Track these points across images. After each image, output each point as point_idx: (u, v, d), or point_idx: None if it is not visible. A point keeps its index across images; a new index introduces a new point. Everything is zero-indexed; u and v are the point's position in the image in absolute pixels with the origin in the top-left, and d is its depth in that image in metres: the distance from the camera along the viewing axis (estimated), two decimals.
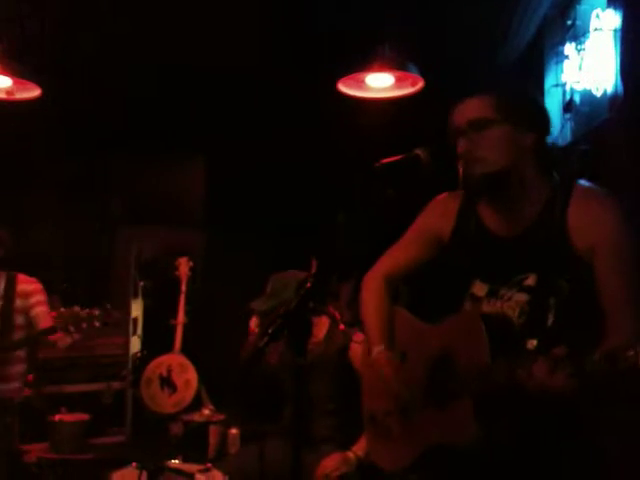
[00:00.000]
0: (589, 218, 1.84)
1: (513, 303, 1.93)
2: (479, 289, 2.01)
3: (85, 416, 4.63)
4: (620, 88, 3.40)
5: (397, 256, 2.25)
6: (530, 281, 1.90)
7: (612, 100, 3.52)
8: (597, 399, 1.73)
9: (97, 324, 3.63)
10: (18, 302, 3.87)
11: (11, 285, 3.88)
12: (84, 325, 3.58)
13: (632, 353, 1.48)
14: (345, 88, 4.00)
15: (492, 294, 1.98)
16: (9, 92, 4.17)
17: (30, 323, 3.88)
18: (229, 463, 3.46)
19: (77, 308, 3.66)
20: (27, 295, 3.89)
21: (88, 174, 5.93)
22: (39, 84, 4.10)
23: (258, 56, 4.64)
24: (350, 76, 3.93)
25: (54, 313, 3.82)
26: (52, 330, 3.65)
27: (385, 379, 2.09)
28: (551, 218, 1.89)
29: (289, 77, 4.61)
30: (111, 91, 5.04)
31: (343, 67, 3.91)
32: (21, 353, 3.95)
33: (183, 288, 5.18)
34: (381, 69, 3.83)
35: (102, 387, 5.08)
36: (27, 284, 3.93)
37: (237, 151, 5.79)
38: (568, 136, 4.12)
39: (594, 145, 3.71)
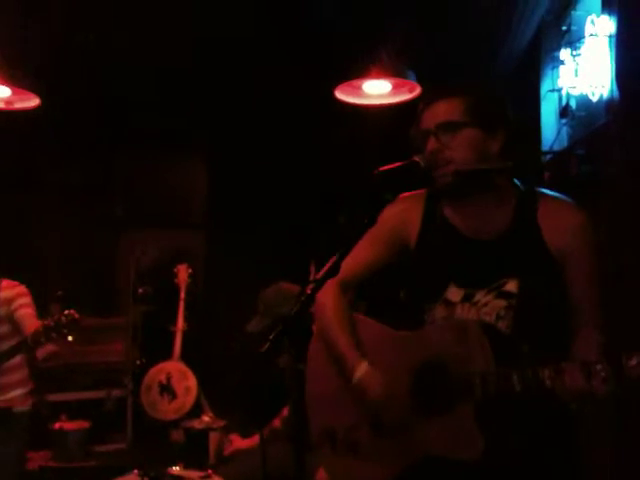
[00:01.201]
0: (560, 223, 1.89)
1: (489, 309, 1.91)
2: (454, 294, 1.96)
3: (86, 423, 4.64)
4: (616, 93, 3.42)
5: (354, 260, 2.06)
6: (510, 286, 1.89)
7: (608, 105, 3.54)
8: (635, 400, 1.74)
9: (70, 338, 3.49)
10: (1, 310, 3.68)
11: None
12: (54, 335, 3.44)
13: None
14: (342, 95, 4.01)
15: (467, 299, 1.94)
16: (8, 102, 4.18)
17: (18, 330, 3.67)
18: (230, 469, 3.47)
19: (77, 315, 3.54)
20: (9, 301, 3.69)
21: (89, 179, 5.94)
22: (38, 93, 4.11)
23: (258, 60, 4.65)
24: (347, 83, 3.94)
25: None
26: (38, 333, 3.41)
27: (375, 400, 1.98)
28: (524, 222, 1.92)
29: (289, 82, 4.62)
30: (112, 95, 5.05)
31: (340, 74, 3.92)
32: (17, 359, 3.72)
33: (182, 295, 5.19)
34: (378, 76, 3.85)
35: (103, 394, 5.09)
36: (9, 290, 3.73)
37: (239, 154, 5.82)
38: (565, 141, 4.15)
39: (591, 149, 3.73)
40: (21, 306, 3.70)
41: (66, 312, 3.41)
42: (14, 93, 4.12)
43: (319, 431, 2.13)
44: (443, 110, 1.91)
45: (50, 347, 3.52)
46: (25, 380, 3.81)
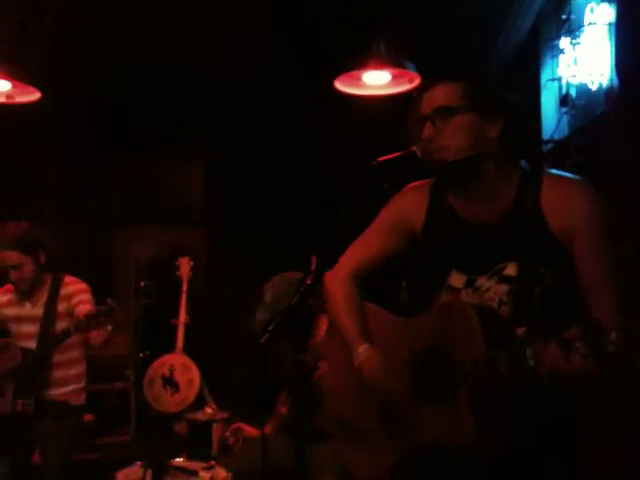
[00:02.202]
0: (563, 203, 1.86)
1: (492, 294, 1.91)
2: (456, 280, 1.97)
3: (89, 416, 4.66)
4: (615, 81, 3.42)
5: (364, 249, 2.15)
6: (510, 270, 1.89)
7: (608, 93, 3.53)
8: (615, 380, 1.73)
9: (110, 327, 3.52)
10: (61, 306, 3.68)
11: (55, 288, 3.71)
12: (93, 323, 3.44)
13: None
14: (342, 86, 4.00)
15: (469, 285, 1.95)
16: (9, 96, 4.18)
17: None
18: (233, 460, 3.49)
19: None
20: (70, 297, 3.70)
21: (87, 175, 5.95)
22: (39, 87, 4.11)
23: (255, 55, 4.65)
24: (347, 74, 3.94)
25: None
26: (87, 318, 3.40)
27: (374, 381, 2.02)
28: (525, 205, 1.90)
29: (286, 76, 4.62)
30: (110, 93, 5.06)
31: (340, 65, 3.92)
32: (76, 354, 3.76)
33: (184, 288, 5.20)
34: (378, 66, 3.84)
35: (106, 388, 5.11)
36: (71, 285, 3.74)
37: (236, 150, 5.82)
38: (565, 129, 4.14)
39: (591, 138, 3.72)
40: (80, 302, 3.69)
41: (107, 302, 3.43)
42: (14, 87, 4.12)
43: (333, 422, 2.20)
44: (440, 95, 1.91)
45: (106, 330, 3.52)
46: (81, 375, 3.82)
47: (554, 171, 1.97)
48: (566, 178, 1.95)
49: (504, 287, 1.91)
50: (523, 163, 1.97)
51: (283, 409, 3.58)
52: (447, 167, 1.89)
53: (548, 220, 1.87)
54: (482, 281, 1.94)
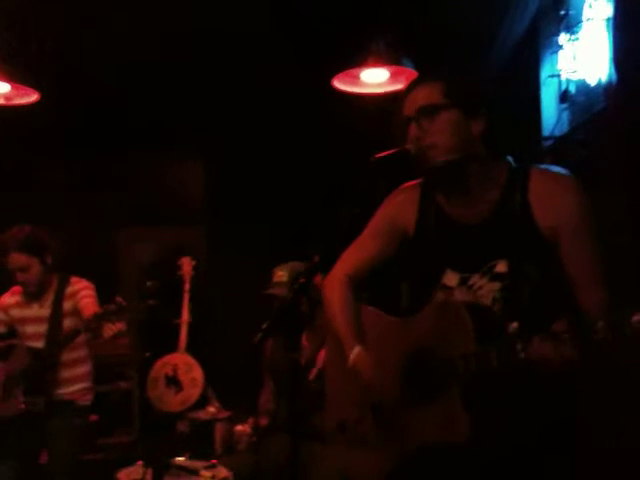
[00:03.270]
0: (550, 198, 1.87)
1: (485, 291, 1.92)
2: (450, 279, 1.98)
3: (93, 417, 4.67)
4: (614, 77, 3.41)
5: (359, 253, 2.17)
6: (501, 267, 1.90)
7: (607, 89, 3.52)
8: (603, 369, 1.74)
9: (119, 324, 3.55)
10: (67, 304, 3.75)
11: (62, 288, 3.77)
12: (103, 322, 3.49)
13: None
14: (340, 84, 4.00)
15: (463, 283, 1.96)
16: (7, 98, 4.18)
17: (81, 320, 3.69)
18: (235, 459, 3.50)
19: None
20: (74, 294, 3.76)
21: (88, 177, 5.95)
22: (37, 88, 4.11)
23: (253, 55, 4.65)
24: (345, 72, 3.94)
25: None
26: (97, 317, 3.49)
27: (366, 382, 2.03)
28: (513, 202, 1.91)
29: (285, 74, 4.62)
30: (109, 91, 5.05)
31: (338, 63, 3.92)
32: (83, 353, 3.83)
33: (187, 287, 5.21)
34: (376, 64, 3.84)
35: (109, 387, 5.12)
36: (75, 285, 3.81)
37: (236, 149, 5.82)
38: (565, 125, 4.13)
39: (591, 134, 3.71)
40: (83, 297, 3.75)
41: (115, 300, 3.50)
42: (13, 89, 4.12)
43: (333, 427, 2.20)
44: (421, 95, 1.92)
45: (120, 325, 3.55)
46: (88, 375, 3.88)
47: (542, 166, 1.98)
48: (552, 172, 1.95)
49: (496, 284, 1.91)
50: (509, 159, 1.97)
51: (266, 407, 3.59)
52: (435, 171, 1.91)
53: (535, 215, 1.88)
54: (475, 279, 1.95)
